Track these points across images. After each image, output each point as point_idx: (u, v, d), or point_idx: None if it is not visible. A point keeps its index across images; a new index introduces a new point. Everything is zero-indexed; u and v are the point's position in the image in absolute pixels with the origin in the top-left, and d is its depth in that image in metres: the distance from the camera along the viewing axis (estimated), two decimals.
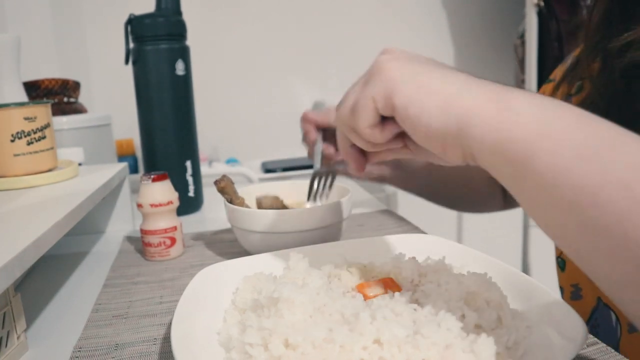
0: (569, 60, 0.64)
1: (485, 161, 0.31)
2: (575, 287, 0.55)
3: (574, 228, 0.27)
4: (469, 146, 0.31)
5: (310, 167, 1.35)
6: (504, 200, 0.77)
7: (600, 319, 0.52)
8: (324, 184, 0.60)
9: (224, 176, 0.59)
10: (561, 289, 0.58)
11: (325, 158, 0.64)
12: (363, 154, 0.41)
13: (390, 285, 0.42)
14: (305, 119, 0.68)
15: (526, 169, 0.28)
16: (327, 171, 0.59)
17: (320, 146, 0.64)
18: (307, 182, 0.68)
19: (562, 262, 0.57)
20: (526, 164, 0.28)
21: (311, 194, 0.60)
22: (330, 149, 0.64)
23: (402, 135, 0.37)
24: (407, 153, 0.40)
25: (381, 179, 0.78)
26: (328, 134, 0.66)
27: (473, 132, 0.30)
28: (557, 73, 0.67)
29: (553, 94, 0.64)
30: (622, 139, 0.27)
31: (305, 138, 0.69)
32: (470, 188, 0.76)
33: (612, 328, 0.50)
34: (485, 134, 0.30)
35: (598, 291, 0.52)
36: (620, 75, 0.49)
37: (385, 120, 0.36)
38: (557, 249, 0.59)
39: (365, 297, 0.41)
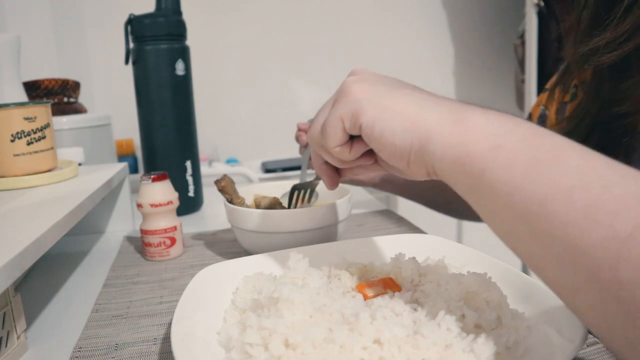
0: (562, 68, 0.65)
1: (446, 176, 0.33)
2: None
3: (525, 237, 0.28)
4: (430, 162, 0.33)
5: (310, 167, 1.35)
6: None
7: None
8: (303, 196, 0.62)
9: (224, 176, 0.59)
10: None
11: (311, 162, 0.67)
12: (336, 171, 0.44)
13: (390, 285, 0.42)
14: (298, 128, 0.79)
15: (482, 183, 0.30)
16: (306, 184, 0.62)
17: (309, 151, 0.67)
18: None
19: None
20: (481, 177, 0.30)
21: (290, 205, 0.62)
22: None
23: (371, 153, 0.40)
24: (378, 169, 0.42)
25: (372, 185, 0.82)
26: None
27: (433, 149, 0.32)
28: (552, 82, 0.68)
29: (549, 101, 0.65)
30: (569, 152, 0.28)
31: (298, 139, 0.79)
32: None
33: None
34: (444, 150, 0.32)
35: None
36: (609, 77, 0.50)
37: (353, 138, 0.38)
38: None
39: (365, 297, 0.41)
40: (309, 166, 0.67)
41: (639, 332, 0.23)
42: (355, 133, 0.37)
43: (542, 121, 0.68)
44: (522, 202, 0.28)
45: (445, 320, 0.33)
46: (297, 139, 0.79)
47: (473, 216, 0.83)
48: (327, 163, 0.43)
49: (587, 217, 0.25)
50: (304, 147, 0.77)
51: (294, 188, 0.62)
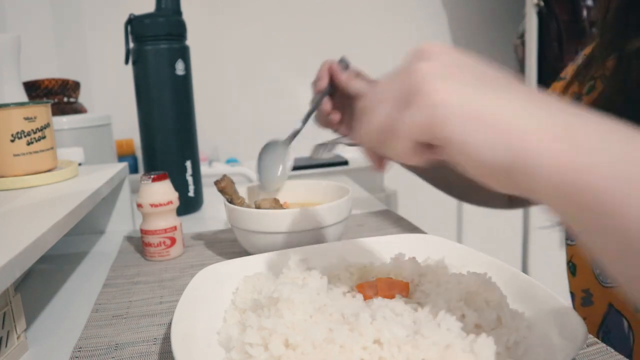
0: (579, 59, 0.62)
1: (549, 203, 0.27)
2: (586, 292, 0.54)
3: None
4: (527, 185, 0.27)
5: (310, 167, 1.36)
6: (509, 199, 0.76)
7: (612, 325, 0.51)
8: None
9: (224, 176, 0.59)
10: (572, 294, 0.57)
11: (320, 113, 0.67)
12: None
13: (398, 287, 0.41)
14: (327, 67, 0.67)
15: (608, 221, 0.24)
16: (331, 142, 0.57)
17: (321, 98, 0.66)
18: (307, 182, 0.68)
19: (573, 267, 0.57)
20: (608, 214, 0.24)
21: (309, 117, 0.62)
22: (327, 105, 0.66)
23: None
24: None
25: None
26: (337, 93, 0.67)
27: (532, 171, 0.26)
28: (569, 71, 0.65)
29: (564, 92, 0.64)
30: None
31: (316, 82, 0.68)
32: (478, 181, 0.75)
33: (625, 335, 0.49)
34: (547, 175, 0.26)
35: (609, 297, 0.51)
36: (636, 67, 0.47)
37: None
38: (568, 252, 0.58)
39: (365, 297, 0.41)
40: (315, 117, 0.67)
41: None
42: (428, 142, 0.30)
43: None
44: None
45: (445, 320, 0.33)
46: (317, 81, 0.68)
47: (474, 199, 0.82)
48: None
49: None
50: (317, 93, 0.68)
51: (319, 145, 0.57)
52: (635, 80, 0.47)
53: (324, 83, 0.66)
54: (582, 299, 0.55)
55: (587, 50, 0.61)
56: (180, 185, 0.79)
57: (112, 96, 1.41)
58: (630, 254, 0.24)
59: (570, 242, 0.57)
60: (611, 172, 0.24)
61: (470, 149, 0.28)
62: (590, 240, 0.26)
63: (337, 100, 0.68)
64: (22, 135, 0.61)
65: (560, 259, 0.60)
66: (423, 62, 0.30)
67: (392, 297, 0.40)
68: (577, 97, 0.60)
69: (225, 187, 0.59)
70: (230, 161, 1.45)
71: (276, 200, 0.62)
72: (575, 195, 0.25)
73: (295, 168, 1.33)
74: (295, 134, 0.66)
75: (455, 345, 0.31)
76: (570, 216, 0.26)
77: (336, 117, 0.68)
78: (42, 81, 0.98)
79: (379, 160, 0.36)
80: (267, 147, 0.66)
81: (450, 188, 0.78)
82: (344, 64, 0.68)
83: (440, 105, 0.28)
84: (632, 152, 0.24)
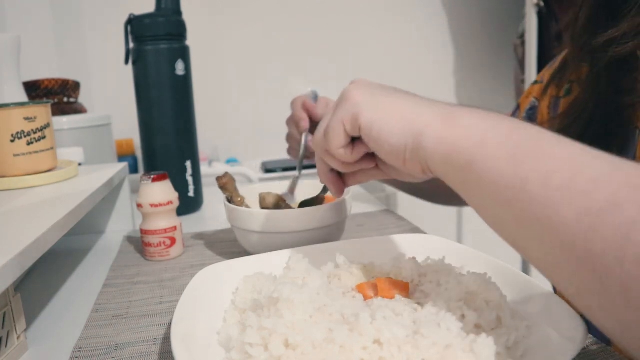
0: (556, 62, 0.65)
1: (439, 172, 0.36)
2: None
3: (510, 221, 0.31)
4: (424, 159, 0.36)
5: (310, 167, 1.35)
6: None
7: None
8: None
9: (226, 173, 0.60)
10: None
11: (308, 151, 0.67)
12: (341, 178, 0.47)
13: (399, 287, 0.42)
14: (301, 105, 0.71)
15: (470, 174, 0.33)
16: (313, 200, 0.61)
17: (306, 138, 0.67)
18: (308, 182, 0.68)
19: None
20: (469, 169, 0.33)
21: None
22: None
23: (372, 157, 0.43)
24: (379, 173, 0.45)
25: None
26: (314, 128, 0.67)
27: (426, 146, 0.35)
28: (545, 75, 0.68)
29: (542, 95, 0.65)
30: (547, 141, 0.31)
31: (297, 123, 0.71)
32: None
33: None
34: (435, 146, 0.35)
35: None
36: (605, 72, 0.51)
37: (354, 141, 0.41)
38: None
39: (365, 297, 0.41)
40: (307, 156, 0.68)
41: (613, 299, 0.25)
42: (355, 134, 0.40)
43: (532, 113, 0.68)
44: (505, 188, 0.30)
45: (445, 320, 0.33)
46: (296, 122, 0.72)
47: (456, 201, 0.84)
48: (332, 171, 0.46)
49: (562, 197, 0.27)
50: (300, 133, 0.71)
51: (303, 204, 0.61)
52: (605, 87, 0.52)
53: (306, 123, 0.70)
54: None
55: (563, 54, 0.63)
56: (180, 185, 0.79)
57: (112, 96, 1.41)
58: (486, 198, 0.32)
59: None
60: (473, 138, 0.33)
61: (384, 134, 0.37)
62: (465, 195, 0.35)
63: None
64: (22, 136, 0.61)
65: None
66: (350, 84, 0.42)
67: (392, 297, 0.40)
68: (556, 100, 0.63)
69: (226, 183, 0.59)
70: (230, 161, 1.45)
71: (280, 197, 0.62)
72: (451, 159, 0.34)
73: (295, 168, 1.33)
74: (295, 182, 0.67)
75: (455, 345, 0.31)
76: (452, 179, 0.35)
77: None
78: (42, 81, 0.98)
79: (337, 184, 0.47)
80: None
81: (438, 200, 0.86)
82: (313, 96, 0.70)
83: (359, 102, 0.39)
84: (490, 125, 0.33)
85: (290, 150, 0.78)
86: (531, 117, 0.68)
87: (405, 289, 0.41)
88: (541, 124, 0.63)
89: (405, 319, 0.35)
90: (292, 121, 0.73)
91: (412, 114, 0.37)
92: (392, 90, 0.41)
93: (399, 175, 0.42)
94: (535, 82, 0.70)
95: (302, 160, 0.69)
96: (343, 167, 0.44)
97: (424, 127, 0.35)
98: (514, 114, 0.73)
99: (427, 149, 0.35)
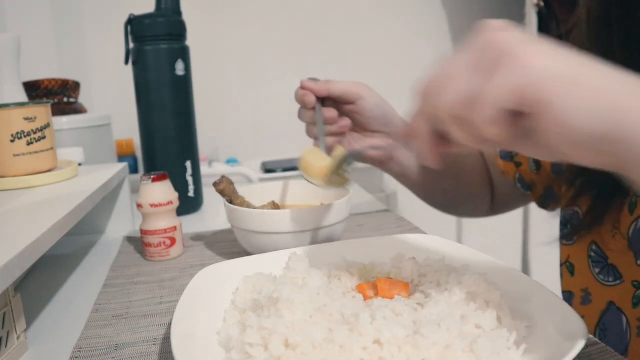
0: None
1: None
2: (585, 291, 0.54)
3: None
4: (621, 153, 0.27)
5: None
6: (492, 204, 0.76)
7: (609, 323, 0.51)
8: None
9: (223, 177, 0.59)
10: (571, 293, 0.57)
11: (328, 121, 0.62)
12: (443, 144, 0.35)
13: (399, 287, 0.42)
14: (303, 87, 0.63)
15: None
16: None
17: (321, 112, 0.62)
18: (306, 182, 0.68)
19: (571, 267, 0.56)
20: None
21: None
22: (331, 112, 0.62)
23: None
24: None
25: (379, 164, 0.70)
26: (326, 104, 0.64)
27: (631, 138, 0.26)
28: None
29: None
30: None
31: (303, 104, 0.63)
32: (462, 183, 0.73)
33: (622, 332, 0.49)
34: None
35: (609, 295, 0.51)
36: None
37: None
38: (563, 253, 0.58)
39: (365, 297, 0.41)
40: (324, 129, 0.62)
41: None
42: (523, 109, 0.28)
43: None
44: None
45: (445, 320, 0.33)
46: (302, 101, 0.63)
47: (470, 212, 0.80)
48: (436, 134, 0.34)
49: None
50: (310, 109, 0.63)
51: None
52: None
53: (312, 97, 0.62)
54: (581, 298, 0.55)
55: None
56: (180, 185, 0.79)
57: (112, 96, 1.41)
58: None
59: (566, 242, 0.57)
60: None
61: (567, 115, 0.26)
62: None
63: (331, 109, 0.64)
64: (22, 136, 0.61)
65: (560, 257, 0.60)
66: (499, 33, 0.29)
67: (392, 297, 0.40)
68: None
69: (224, 189, 0.59)
70: (230, 161, 1.45)
71: (275, 203, 0.62)
72: None
73: (295, 168, 1.33)
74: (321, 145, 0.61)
75: (455, 345, 0.31)
76: None
77: (347, 122, 0.64)
78: (42, 81, 0.98)
79: (438, 152, 0.34)
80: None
81: (431, 193, 0.76)
82: (313, 79, 0.67)
83: (534, 66, 0.27)
84: None
85: (308, 131, 0.67)
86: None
87: (405, 289, 0.41)
88: None
89: (405, 319, 0.35)
90: (299, 102, 0.65)
91: (609, 86, 0.27)
92: (564, 50, 0.29)
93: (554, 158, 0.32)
94: None
95: (323, 135, 0.62)
96: (479, 142, 0.31)
97: (632, 110, 0.26)
98: None
99: (630, 143, 0.26)
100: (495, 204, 0.75)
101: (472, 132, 0.31)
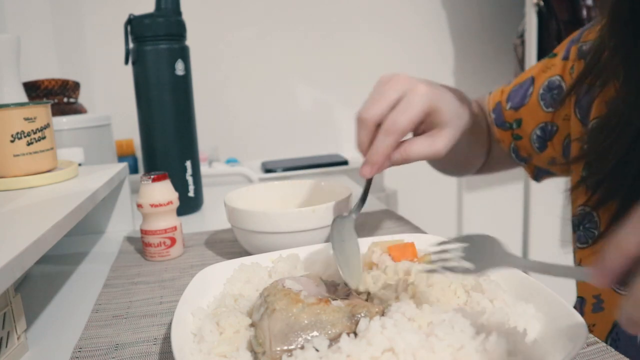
0: (584, 45, 0.58)
1: None
2: (597, 298, 0.53)
3: None
4: None
5: (310, 167, 1.36)
6: (483, 164, 0.74)
7: (622, 333, 0.50)
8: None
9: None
10: (582, 299, 0.56)
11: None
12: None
13: (408, 251, 0.44)
14: (372, 162, 0.50)
15: None
16: None
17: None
18: (308, 182, 0.68)
19: None
20: None
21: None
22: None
23: None
24: None
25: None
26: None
27: None
28: (572, 51, 0.61)
29: (568, 75, 0.59)
30: None
31: (362, 173, 0.53)
32: (470, 150, 0.71)
33: (636, 344, 0.49)
34: None
35: None
36: None
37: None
38: (577, 256, 0.57)
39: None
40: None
41: None
42: None
43: (552, 89, 0.61)
44: None
45: (458, 322, 0.33)
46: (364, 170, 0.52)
47: (461, 172, 0.78)
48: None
49: None
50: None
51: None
52: None
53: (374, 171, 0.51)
54: (592, 305, 0.54)
55: (590, 35, 0.58)
56: (180, 185, 0.79)
57: (112, 96, 1.41)
58: None
59: (580, 245, 0.56)
60: None
61: None
62: None
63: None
64: (22, 136, 0.61)
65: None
66: None
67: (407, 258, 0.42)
68: (589, 89, 0.56)
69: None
70: (230, 161, 1.45)
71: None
72: None
73: (295, 168, 1.33)
74: (361, 203, 0.54)
75: (467, 346, 0.31)
76: None
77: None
78: (42, 81, 0.98)
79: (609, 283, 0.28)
80: (339, 230, 0.49)
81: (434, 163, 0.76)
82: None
83: None
84: None
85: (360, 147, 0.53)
86: (555, 97, 0.62)
87: (414, 253, 0.44)
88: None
89: (414, 325, 0.34)
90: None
91: None
92: None
93: None
94: (552, 55, 0.64)
95: (367, 190, 0.55)
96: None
97: None
98: (527, 88, 0.66)
99: None
100: (486, 164, 0.75)
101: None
